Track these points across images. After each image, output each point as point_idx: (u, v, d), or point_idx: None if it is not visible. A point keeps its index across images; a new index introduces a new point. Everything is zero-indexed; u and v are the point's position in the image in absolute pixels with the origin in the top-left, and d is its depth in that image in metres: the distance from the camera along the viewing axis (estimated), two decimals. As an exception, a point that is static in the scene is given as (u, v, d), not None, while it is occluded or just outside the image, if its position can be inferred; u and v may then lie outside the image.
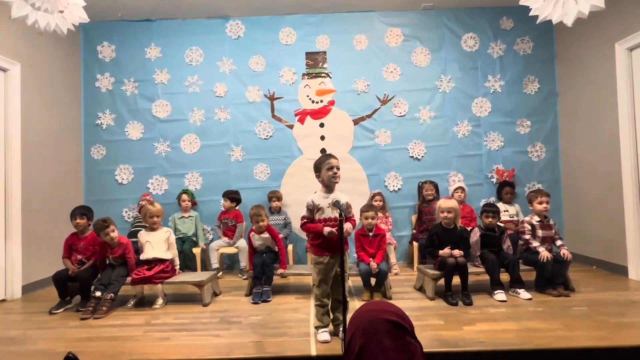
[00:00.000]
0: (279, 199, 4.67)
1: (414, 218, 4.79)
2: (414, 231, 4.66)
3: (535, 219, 3.58)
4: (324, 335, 2.54)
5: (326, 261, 2.57)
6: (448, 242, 3.41)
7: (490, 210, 3.59)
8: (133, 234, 4.23)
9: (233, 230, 4.52)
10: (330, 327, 2.65)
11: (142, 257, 3.46)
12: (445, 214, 3.44)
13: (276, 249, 3.72)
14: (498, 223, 3.65)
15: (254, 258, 3.68)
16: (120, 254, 3.44)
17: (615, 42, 3.94)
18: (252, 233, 3.73)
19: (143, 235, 3.56)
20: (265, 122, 4.98)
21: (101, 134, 4.98)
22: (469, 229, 3.81)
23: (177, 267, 3.61)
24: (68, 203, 4.20)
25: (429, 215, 4.43)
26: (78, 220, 3.50)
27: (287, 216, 4.67)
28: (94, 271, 3.46)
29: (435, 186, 4.63)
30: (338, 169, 2.59)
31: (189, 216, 4.63)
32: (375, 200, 4.48)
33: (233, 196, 4.63)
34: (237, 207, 4.64)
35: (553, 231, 3.56)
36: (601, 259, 4.26)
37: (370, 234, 3.54)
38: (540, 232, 3.54)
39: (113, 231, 3.43)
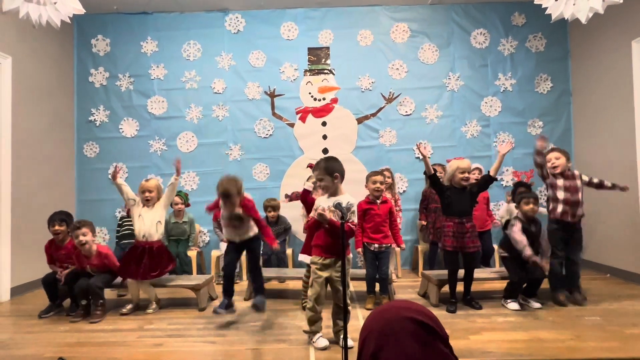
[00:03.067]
0: (275, 208, 4.37)
1: (419, 223, 4.61)
2: (423, 223, 4.36)
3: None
4: (322, 341, 2.51)
5: (322, 261, 2.55)
6: (459, 203, 3.18)
7: (531, 195, 3.19)
8: (123, 237, 4.06)
9: None
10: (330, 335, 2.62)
11: (136, 231, 3.31)
12: (468, 174, 3.20)
13: (251, 232, 3.05)
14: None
15: (224, 256, 3.20)
16: (97, 264, 3.22)
17: (632, 39, 3.88)
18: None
19: (136, 208, 3.35)
20: (265, 120, 4.85)
21: (94, 131, 4.87)
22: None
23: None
24: (59, 202, 4.16)
25: (438, 203, 4.15)
26: (57, 227, 3.26)
27: (285, 224, 4.44)
28: (84, 274, 3.32)
29: (445, 170, 4.39)
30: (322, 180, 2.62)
31: (183, 221, 4.34)
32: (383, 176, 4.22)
33: None
34: None
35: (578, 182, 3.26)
36: (615, 267, 4.17)
37: (378, 201, 3.29)
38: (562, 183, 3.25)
39: (84, 235, 3.13)
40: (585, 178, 3.33)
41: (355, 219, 2.61)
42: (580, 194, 3.25)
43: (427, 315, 0.78)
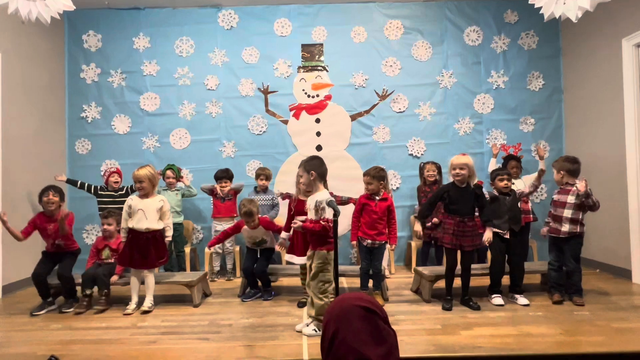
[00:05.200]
0: (268, 177, 4.31)
1: (412, 219, 4.66)
2: (435, 221, 4.36)
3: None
4: (299, 325, 2.78)
5: (308, 253, 2.83)
6: (460, 201, 3.10)
7: (505, 172, 3.33)
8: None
9: None
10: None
11: (137, 225, 3.18)
12: (458, 171, 3.08)
13: (268, 244, 3.65)
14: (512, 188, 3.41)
15: (244, 261, 3.64)
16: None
17: (623, 37, 3.92)
18: (244, 227, 3.58)
19: (135, 202, 3.26)
20: (258, 117, 4.84)
21: (86, 128, 4.83)
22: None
23: (169, 238, 3.35)
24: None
25: None
26: (51, 197, 3.25)
27: (274, 196, 4.28)
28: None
29: (438, 167, 4.35)
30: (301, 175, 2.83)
31: (175, 189, 4.35)
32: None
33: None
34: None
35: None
36: (605, 262, 4.22)
37: (377, 197, 3.26)
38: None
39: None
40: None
41: (328, 215, 2.65)
42: (565, 210, 3.20)
43: (371, 302, 1.06)
